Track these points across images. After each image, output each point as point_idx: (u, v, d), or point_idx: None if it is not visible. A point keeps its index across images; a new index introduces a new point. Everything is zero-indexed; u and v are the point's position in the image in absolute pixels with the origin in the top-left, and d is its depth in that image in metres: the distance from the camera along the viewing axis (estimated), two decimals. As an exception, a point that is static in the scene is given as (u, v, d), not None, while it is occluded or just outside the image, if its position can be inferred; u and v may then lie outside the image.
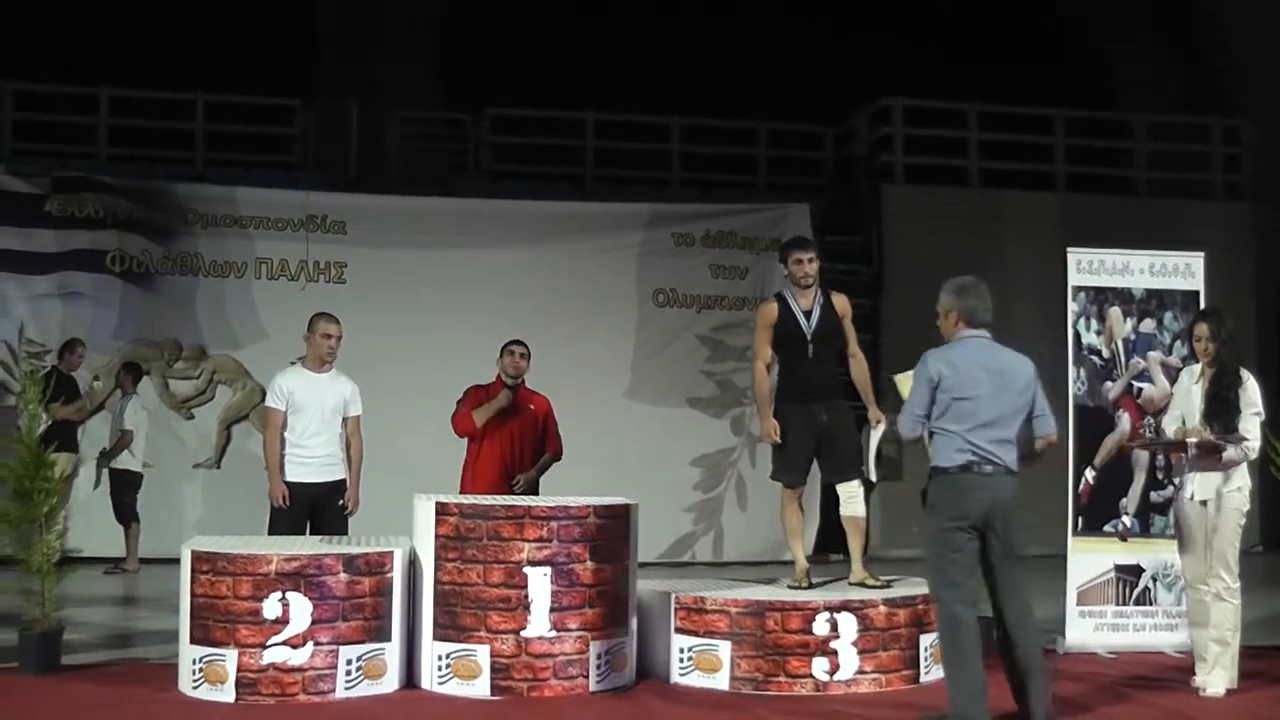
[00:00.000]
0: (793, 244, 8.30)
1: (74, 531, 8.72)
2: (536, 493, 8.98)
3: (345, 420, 8.52)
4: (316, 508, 8.41)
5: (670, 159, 16.64)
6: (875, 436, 7.92)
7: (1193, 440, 7.34)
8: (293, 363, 8.60)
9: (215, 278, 13.85)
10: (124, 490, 12.62)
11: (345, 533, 8.32)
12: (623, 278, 14.45)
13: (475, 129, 16.42)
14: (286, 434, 8.37)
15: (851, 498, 7.98)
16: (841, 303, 8.16)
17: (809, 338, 7.98)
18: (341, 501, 8.46)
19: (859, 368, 8.20)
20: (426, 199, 14.67)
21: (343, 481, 8.50)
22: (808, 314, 8.02)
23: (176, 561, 7.22)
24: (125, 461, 12.62)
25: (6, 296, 13.34)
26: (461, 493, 8.86)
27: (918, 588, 7.86)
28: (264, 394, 13.43)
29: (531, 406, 9.22)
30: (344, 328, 8.54)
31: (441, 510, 7.16)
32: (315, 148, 15.99)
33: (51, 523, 7.75)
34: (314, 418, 8.37)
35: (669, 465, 13.87)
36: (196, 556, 7.03)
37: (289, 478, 8.33)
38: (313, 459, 8.39)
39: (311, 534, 8.34)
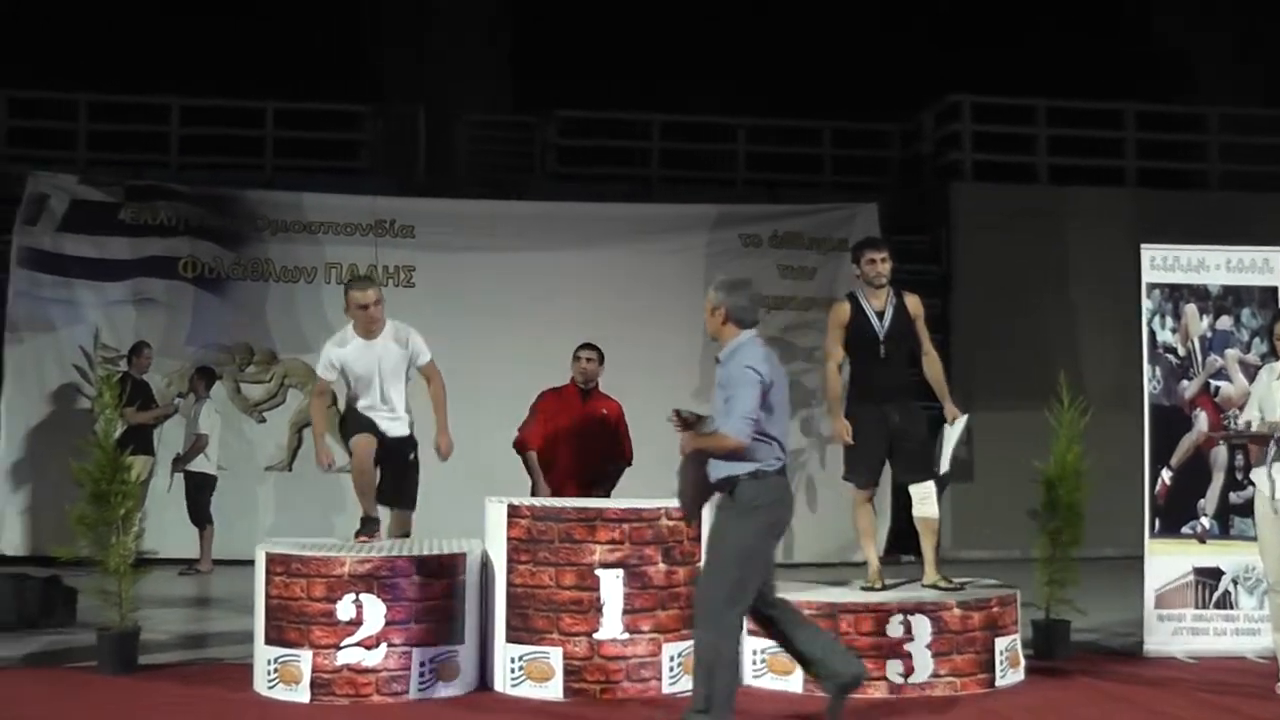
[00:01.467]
0: (866, 244, 8.26)
1: (149, 533, 8.81)
2: (608, 495, 8.98)
3: (417, 369, 8.24)
4: (387, 453, 8.16)
5: (736, 160, 16.58)
6: (953, 433, 7.88)
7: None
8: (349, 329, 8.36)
9: (285, 283, 13.92)
10: (199, 493, 12.74)
11: (413, 494, 8.21)
12: (691, 279, 14.27)
13: (542, 131, 16.43)
14: (354, 401, 8.18)
15: (924, 499, 7.93)
16: (914, 303, 8.13)
17: (881, 338, 7.97)
18: (414, 456, 8.24)
19: (933, 366, 8.15)
20: (494, 202, 14.67)
21: (409, 438, 8.27)
22: (880, 314, 8.00)
23: (249, 563, 7.28)
24: (200, 465, 12.74)
25: (82, 303, 13.45)
26: (534, 494, 8.88)
27: (991, 590, 7.78)
28: (333, 398, 13.63)
29: (604, 411, 9.26)
30: (411, 329, 8.31)
31: (513, 513, 7.17)
32: (383, 152, 16.07)
33: (128, 525, 7.83)
34: (375, 385, 8.14)
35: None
36: (271, 558, 7.07)
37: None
38: (384, 416, 8.19)
39: (380, 486, 8.19)
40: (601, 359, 9.30)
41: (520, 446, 9.14)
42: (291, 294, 13.89)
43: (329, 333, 13.83)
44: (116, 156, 15.21)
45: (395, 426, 8.21)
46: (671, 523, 7.20)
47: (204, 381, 12.96)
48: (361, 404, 8.17)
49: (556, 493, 8.81)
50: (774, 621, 6.31)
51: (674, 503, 7.31)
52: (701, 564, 6.17)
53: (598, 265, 14.18)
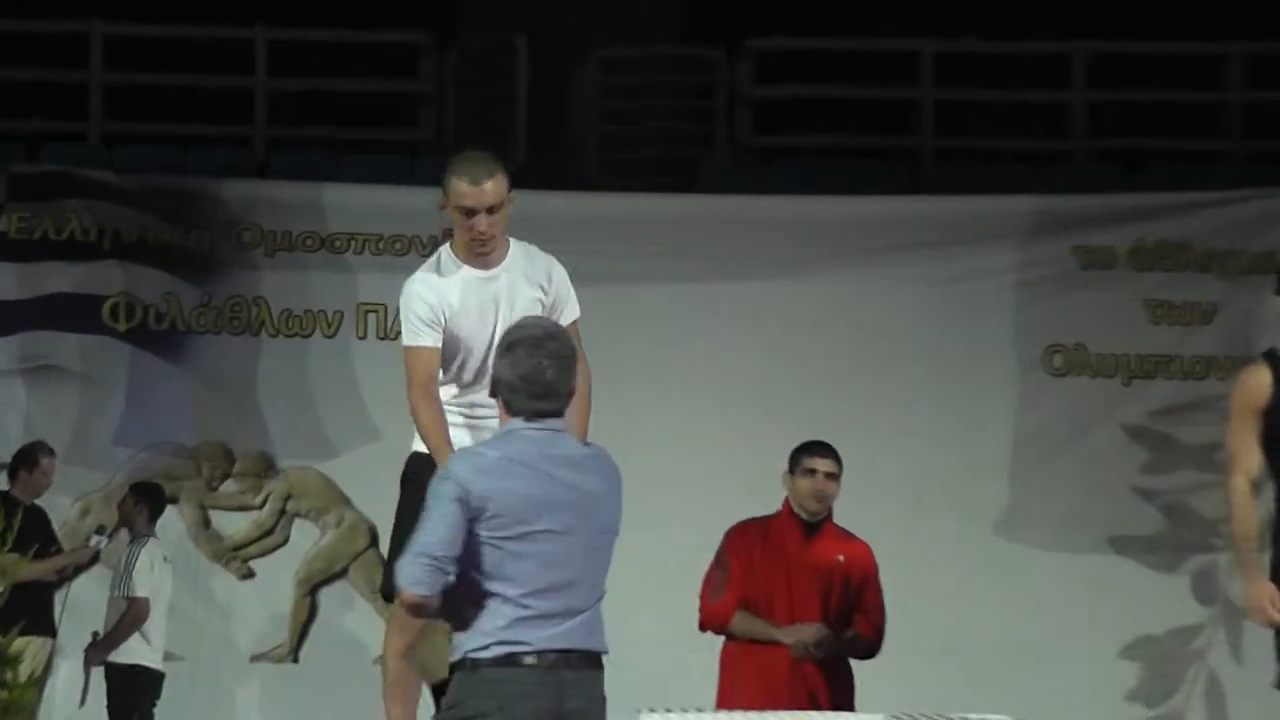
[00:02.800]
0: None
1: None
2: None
3: None
4: None
5: (1069, 115, 16.44)
6: None
7: None
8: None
9: (290, 338, 14.07)
10: (132, 699, 12.76)
11: None
12: (990, 327, 14.36)
13: (728, 76, 16.43)
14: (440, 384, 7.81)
15: None
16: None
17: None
18: None
19: None
20: (648, 198, 14.89)
21: None
22: (1327, 391, 7.82)
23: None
24: (134, 652, 12.76)
25: (-68, 376, 13.65)
26: (720, 706, 8.89)
27: None
28: (373, 535, 13.68)
29: (841, 558, 9.28)
30: (553, 259, 8.02)
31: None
32: (458, 114, 16.18)
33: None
34: (484, 347, 7.76)
35: (1080, 657, 13.58)
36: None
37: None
38: (484, 419, 7.73)
39: None
40: (840, 470, 9.22)
41: (714, 625, 9.27)
42: (300, 357, 14.02)
43: (365, 421, 14.07)
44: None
45: None
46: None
47: (145, 508, 13.03)
48: (448, 387, 7.88)
49: (756, 700, 8.71)
50: None
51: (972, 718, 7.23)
52: None
53: (826, 304, 14.21)
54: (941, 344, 14.21)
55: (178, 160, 14.95)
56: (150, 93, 15.86)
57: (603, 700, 6.20)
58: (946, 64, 16.37)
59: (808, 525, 9.18)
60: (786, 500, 9.26)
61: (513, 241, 7.95)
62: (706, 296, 14.13)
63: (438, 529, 5.94)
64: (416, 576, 5.93)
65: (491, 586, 5.96)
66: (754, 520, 9.32)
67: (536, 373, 6.08)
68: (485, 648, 5.96)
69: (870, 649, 9.33)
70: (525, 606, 5.98)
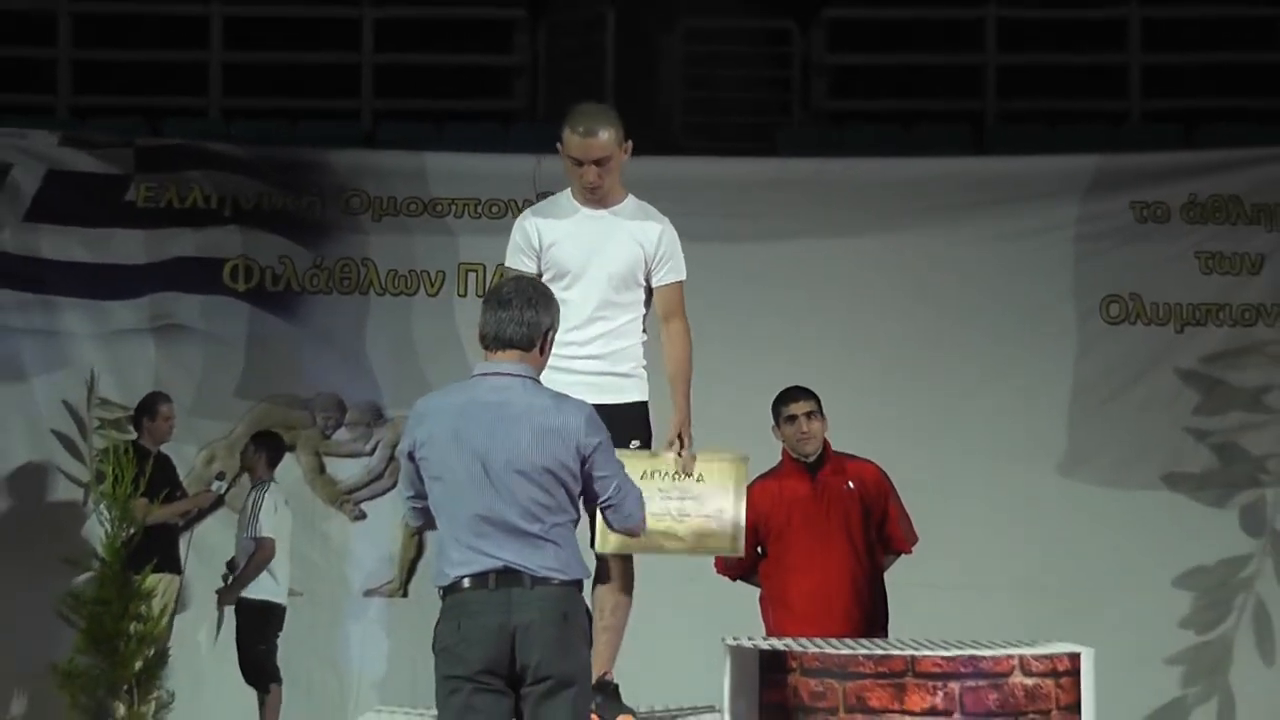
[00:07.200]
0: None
1: (182, 701, 8.84)
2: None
3: (654, 290, 7.93)
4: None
5: (1126, 77, 16.31)
6: None
7: None
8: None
9: (396, 296, 14.14)
10: (259, 633, 12.83)
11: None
12: (1050, 278, 14.28)
13: (804, 45, 16.39)
14: None
15: None
16: None
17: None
18: (637, 443, 7.64)
19: None
20: (729, 161, 14.76)
21: (636, 408, 7.84)
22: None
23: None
24: (263, 588, 12.88)
25: (68, 333, 13.65)
26: (770, 631, 9.08)
27: None
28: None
29: (850, 485, 9.39)
30: (665, 219, 7.99)
31: (771, 665, 7.11)
32: (551, 85, 16.19)
33: (148, 687, 7.89)
34: (587, 291, 7.83)
35: (1137, 587, 13.58)
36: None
37: None
38: (579, 366, 7.74)
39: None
40: (819, 405, 9.41)
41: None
42: (406, 315, 14.10)
43: (467, 374, 14.00)
44: (121, 101, 15.48)
45: (610, 384, 7.78)
46: (1031, 680, 7.04)
47: (265, 455, 13.17)
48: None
49: (805, 625, 8.87)
50: None
51: (1032, 649, 7.23)
52: None
53: (897, 259, 14.16)
54: (1007, 296, 14.17)
55: (290, 132, 15.06)
56: (264, 69, 15.95)
57: (562, 616, 6.22)
58: (1009, 30, 16.34)
59: (809, 466, 9.34)
60: (784, 450, 9.44)
61: (631, 196, 8.01)
62: (783, 254, 14.08)
63: (400, 475, 6.60)
64: (406, 516, 6.69)
65: (441, 521, 6.37)
66: (760, 479, 9.25)
67: (510, 308, 6.44)
68: (443, 575, 6.31)
69: (909, 551, 9.57)
70: (462, 538, 6.28)
